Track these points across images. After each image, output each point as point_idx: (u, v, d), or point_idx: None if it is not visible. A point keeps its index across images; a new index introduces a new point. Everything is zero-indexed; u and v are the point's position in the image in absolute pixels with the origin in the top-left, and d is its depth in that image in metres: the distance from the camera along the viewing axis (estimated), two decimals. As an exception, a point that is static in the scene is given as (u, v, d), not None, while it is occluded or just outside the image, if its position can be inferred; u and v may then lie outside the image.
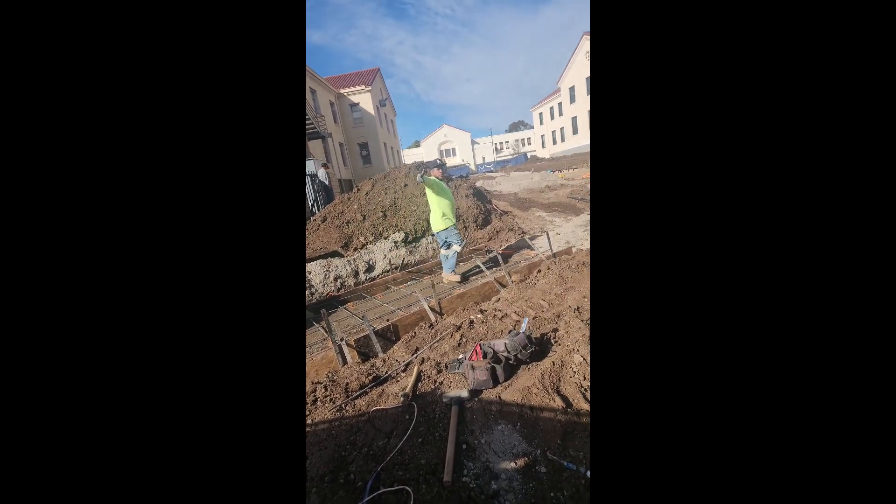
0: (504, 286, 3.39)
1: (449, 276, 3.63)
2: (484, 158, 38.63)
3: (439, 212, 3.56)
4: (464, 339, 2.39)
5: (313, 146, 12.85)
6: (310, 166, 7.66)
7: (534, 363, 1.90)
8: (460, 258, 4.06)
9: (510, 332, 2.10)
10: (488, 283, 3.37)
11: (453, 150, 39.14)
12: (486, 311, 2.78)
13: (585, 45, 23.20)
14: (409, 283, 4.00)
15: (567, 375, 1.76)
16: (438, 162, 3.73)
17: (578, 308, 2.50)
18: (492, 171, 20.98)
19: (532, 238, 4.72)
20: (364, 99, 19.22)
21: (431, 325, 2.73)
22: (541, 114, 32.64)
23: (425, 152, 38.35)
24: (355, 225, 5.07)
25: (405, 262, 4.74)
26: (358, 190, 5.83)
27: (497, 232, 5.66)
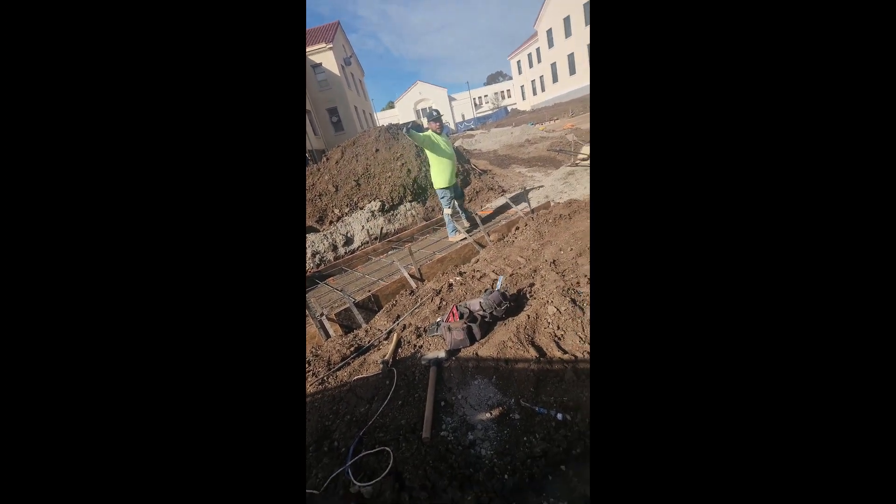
0: (483, 246, 3.38)
1: (453, 237, 3.64)
2: (463, 116, 36.78)
3: (435, 169, 3.47)
4: (443, 303, 2.41)
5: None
6: None
7: (510, 318, 1.93)
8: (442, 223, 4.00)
9: (486, 290, 2.12)
10: (468, 245, 3.34)
11: (430, 108, 37.06)
12: (464, 273, 2.78)
13: (561, -20, 21.37)
14: (389, 252, 3.95)
15: (542, 327, 1.80)
16: (434, 114, 3.49)
17: (554, 261, 2.52)
18: (472, 129, 20.09)
19: (512, 196, 4.65)
20: (327, 58, 17.62)
21: (412, 291, 2.73)
22: (519, 62, 30.79)
23: (401, 113, 36.32)
24: (328, 197, 4.88)
25: (384, 231, 4.64)
26: (327, 160, 5.54)
27: (477, 192, 5.55)
